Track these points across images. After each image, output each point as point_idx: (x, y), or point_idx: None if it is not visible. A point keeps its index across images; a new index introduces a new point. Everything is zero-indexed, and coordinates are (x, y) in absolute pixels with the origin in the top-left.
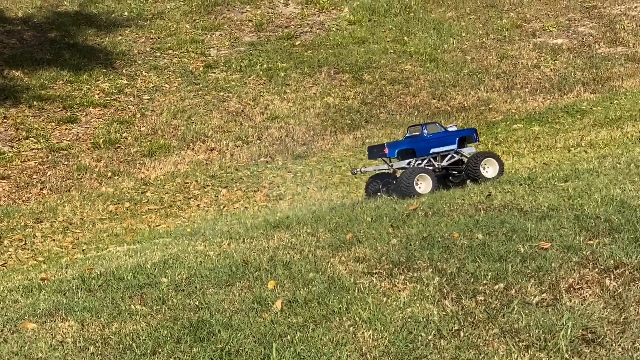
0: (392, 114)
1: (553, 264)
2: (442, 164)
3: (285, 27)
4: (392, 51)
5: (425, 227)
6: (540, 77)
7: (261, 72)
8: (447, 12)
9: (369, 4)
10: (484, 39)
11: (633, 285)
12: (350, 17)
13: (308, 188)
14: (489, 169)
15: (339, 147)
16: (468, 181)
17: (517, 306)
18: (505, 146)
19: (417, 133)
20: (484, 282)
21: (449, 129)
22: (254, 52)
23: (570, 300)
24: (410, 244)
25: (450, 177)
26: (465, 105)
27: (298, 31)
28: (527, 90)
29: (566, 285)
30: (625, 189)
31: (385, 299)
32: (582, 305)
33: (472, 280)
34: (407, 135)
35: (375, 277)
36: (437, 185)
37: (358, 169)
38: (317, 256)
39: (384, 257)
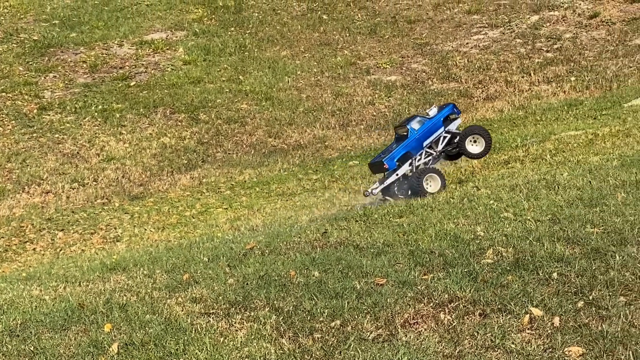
0: (229, 153)
1: (388, 300)
2: (439, 148)
3: (120, 68)
4: (227, 90)
5: (262, 266)
6: (375, 113)
7: (96, 114)
8: (281, 51)
9: (204, 44)
10: (319, 77)
11: (467, 318)
12: (185, 57)
13: (145, 229)
14: (477, 145)
15: (176, 187)
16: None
17: (353, 342)
18: (341, 183)
19: (405, 133)
20: (321, 319)
21: (430, 113)
22: (88, 94)
23: (406, 335)
24: (247, 283)
25: (453, 154)
26: (302, 142)
27: (133, 72)
28: (362, 127)
29: (402, 321)
30: (459, 223)
31: (222, 339)
32: (417, 339)
33: (308, 318)
34: (396, 136)
35: (212, 317)
36: (445, 182)
37: (370, 190)
38: (153, 298)
39: (220, 297)
